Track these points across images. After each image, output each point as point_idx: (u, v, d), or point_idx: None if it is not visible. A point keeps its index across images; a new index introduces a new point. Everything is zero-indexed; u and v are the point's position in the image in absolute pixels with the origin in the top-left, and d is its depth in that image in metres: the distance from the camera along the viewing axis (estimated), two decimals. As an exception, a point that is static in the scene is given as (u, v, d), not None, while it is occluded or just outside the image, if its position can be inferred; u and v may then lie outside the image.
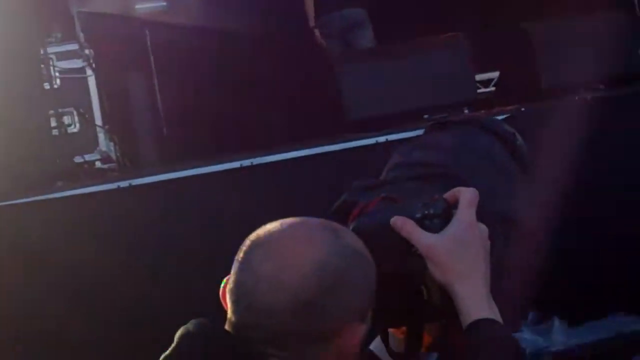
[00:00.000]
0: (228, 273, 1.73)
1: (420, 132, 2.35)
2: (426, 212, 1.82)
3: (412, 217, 1.81)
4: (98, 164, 6.31)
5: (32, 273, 5.15)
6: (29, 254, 5.23)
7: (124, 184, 5.35)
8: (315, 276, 1.65)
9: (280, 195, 5.52)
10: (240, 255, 1.70)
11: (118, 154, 6.58)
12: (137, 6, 8.84)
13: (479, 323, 1.74)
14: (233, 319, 1.69)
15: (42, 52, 6.14)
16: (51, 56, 6.31)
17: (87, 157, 6.21)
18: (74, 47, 6.54)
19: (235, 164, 5.59)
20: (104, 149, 6.32)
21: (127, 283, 5.18)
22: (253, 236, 1.72)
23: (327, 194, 1.86)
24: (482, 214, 1.85)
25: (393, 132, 5.75)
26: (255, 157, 5.67)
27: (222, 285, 1.73)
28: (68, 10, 6.85)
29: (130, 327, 5.14)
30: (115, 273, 5.18)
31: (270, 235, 1.70)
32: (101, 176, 6.04)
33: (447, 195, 1.85)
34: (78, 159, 6.15)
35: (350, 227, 1.85)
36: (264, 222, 1.75)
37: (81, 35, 6.74)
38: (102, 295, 5.19)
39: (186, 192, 5.46)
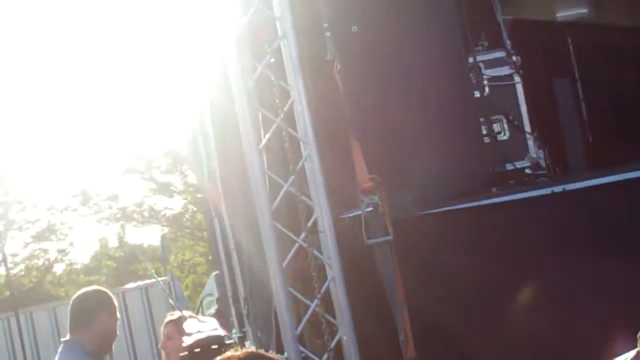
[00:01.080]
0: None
1: None
2: None
3: None
4: (527, 171, 6.24)
5: (464, 277, 5.19)
6: (456, 259, 5.28)
7: (557, 189, 5.25)
8: None
9: None
10: None
11: (547, 162, 6.48)
12: (559, 14, 8.73)
13: None
14: None
15: (470, 60, 6.19)
16: (480, 64, 6.34)
17: (517, 164, 6.17)
18: (500, 54, 6.52)
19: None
20: (533, 155, 6.24)
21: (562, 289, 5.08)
22: None
23: None
24: None
25: None
26: None
27: None
28: (494, 18, 6.87)
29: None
30: (553, 276, 5.10)
31: None
32: (533, 183, 5.97)
33: None
34: (508, 166, 6.12)
35: None
36: None
37: (508, 42, 6.72)
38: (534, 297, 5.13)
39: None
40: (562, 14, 8.74)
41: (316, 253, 5.80)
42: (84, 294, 5.35)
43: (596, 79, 8.41)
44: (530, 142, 6.28)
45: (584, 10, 8.70)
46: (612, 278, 5.05)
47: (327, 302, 5.80)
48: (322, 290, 5.75)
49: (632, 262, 5.04)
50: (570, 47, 8.84)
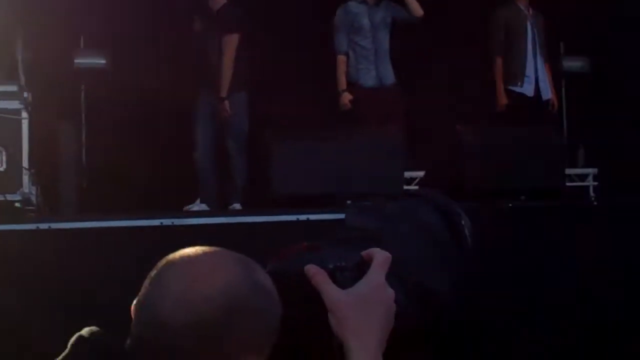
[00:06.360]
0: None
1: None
2: (338, 264, 1.88)
3: (324, 267, 1.87)
4: (18, 205, 6.26)
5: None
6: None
7: (43, 225, 5.37)
8: (218, 300, 1.69)
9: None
10: (153, 272, 1.73)
11: (39, 199, 6.58)
12: (77, 60, 8.99)
13: None
14: (133, 330, 1.72)
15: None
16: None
17: (9, 197, 6.18)
18: (13, 88, 6.53)
19: (156, 222, 5.64)
20: (26, 191, 6.29)
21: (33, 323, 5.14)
22: (169, 256, 1.75)
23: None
24: (398, 280, 1.93)
25: (315, 212, 5.88)
26: (176, 217, 5.74)
27: (135, 301, 1.77)
28: (14, 54, 6.94)
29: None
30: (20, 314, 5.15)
31: (185, 257, 1.75)
32: (21, 217, 6.03)
33: (364, 253, 1.92)
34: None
35: (267, 269, 1.90)
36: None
37: (22, 77, 6.80)
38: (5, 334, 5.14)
39: (104, 243, 5.46)
40: (81, 61, 9.01)
41: None
42: None
43: (100, 126, 8.79)
44: (26, 178, 6.32)
45: (102, 61, 9.01)
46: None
47: None
48: None
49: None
50: (82, 94, 9.15)
